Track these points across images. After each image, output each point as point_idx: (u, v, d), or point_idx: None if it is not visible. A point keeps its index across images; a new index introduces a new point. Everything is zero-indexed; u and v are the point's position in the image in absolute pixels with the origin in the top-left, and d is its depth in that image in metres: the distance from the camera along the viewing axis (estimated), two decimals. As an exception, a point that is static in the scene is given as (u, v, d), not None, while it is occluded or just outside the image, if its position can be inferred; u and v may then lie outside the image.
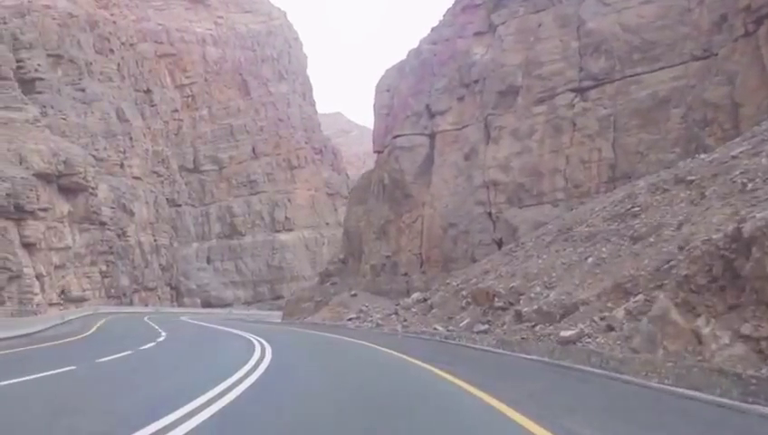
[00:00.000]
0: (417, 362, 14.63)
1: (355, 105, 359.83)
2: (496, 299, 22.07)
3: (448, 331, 22.45)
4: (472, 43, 38.27)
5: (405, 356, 16.06)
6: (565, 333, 15.69)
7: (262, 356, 15.50)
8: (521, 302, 21.00)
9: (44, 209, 68.79)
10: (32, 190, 66.87)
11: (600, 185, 31.60)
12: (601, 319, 16.06)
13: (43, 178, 68.63)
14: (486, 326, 20.82)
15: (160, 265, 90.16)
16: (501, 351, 17.31)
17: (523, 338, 17.70)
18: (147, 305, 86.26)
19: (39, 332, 25.61)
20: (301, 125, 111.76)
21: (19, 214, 65.95)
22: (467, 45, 38.46)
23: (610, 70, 32.46)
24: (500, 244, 35.38)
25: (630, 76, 31.76)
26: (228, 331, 28.52)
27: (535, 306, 19.31)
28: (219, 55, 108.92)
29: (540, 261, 22.81)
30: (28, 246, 67.92)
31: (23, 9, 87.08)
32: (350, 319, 34.56)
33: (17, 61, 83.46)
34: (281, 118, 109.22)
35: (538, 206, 33.81)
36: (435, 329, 23.35)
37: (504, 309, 21.58)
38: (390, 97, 42.74)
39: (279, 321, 45.46)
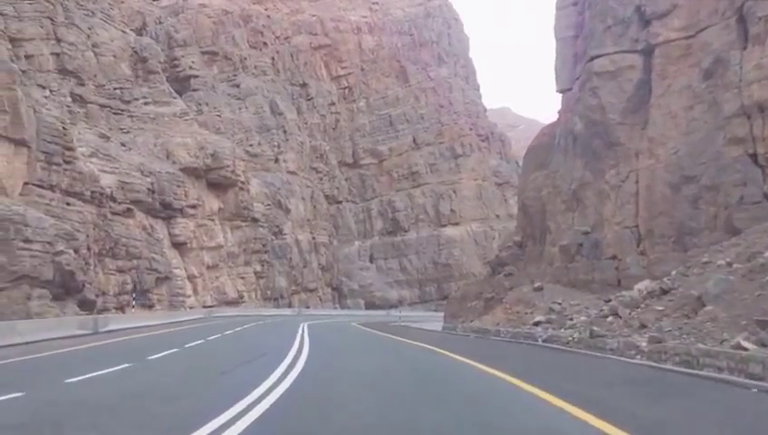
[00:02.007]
0: None
1: (522, 99, 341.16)
2: None
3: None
4: None
5: None
6: None
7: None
8: None
9: (193, 206, 62.76)
10: (179, 186, 60.93)
11: None
12: None
13: (191, 172, 62.61)
14: None
15: (320, 264, 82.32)
16: None
17: None
18: (308, 307, 78.71)
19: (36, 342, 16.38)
20: (464, 111, 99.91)
21: (167, 212, 60.20)
22: None
23: None
24: (778, 200, 21.17)
25: None
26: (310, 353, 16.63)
27: None
28: (375, 43, 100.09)
29: None
30: (178, 246, 62.12)
31: (177, 8, 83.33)
32: (536, 323, 22.05)
33: (172, 59, 79.69)
34: (442, 104, 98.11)
35: None
36: (742, 348, 10.34)
37: None
38: (578, 11, 29.66)
39: (440, 328, 33.68)
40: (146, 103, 64.69)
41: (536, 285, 26.60)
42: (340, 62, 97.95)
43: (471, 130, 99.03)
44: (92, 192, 47.63)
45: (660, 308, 15.62)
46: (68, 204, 44.69)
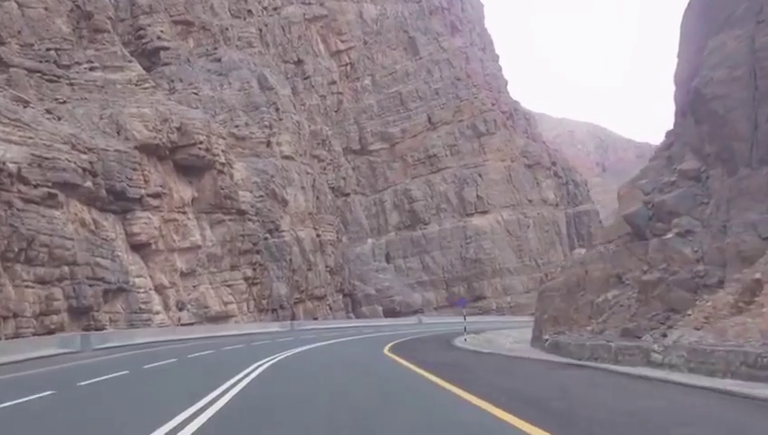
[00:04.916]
0: None
1: (529, 97, 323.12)
2: None
3: None
4: None
5: None
6: None
7: None
8: None
9: (157, 195, 45.90)
10: (135, 169, 44.15)
11: None
12: None
13: (151, 151, 45.93)
14: None
15: (327, 266, 65.30)
16: None
17: None
18: (315, 318, 61.73)
19: None
20: (484, 84, 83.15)
21: (120, 203, 43.44)
22: None
23: None
24: None
25: None
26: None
27: None
28: (379, 12, 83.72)
29: None
30: (139, 248, 45.29)
31: (141, -30, 66.56)
32: None
33: (137, 29, 63.42)
34: (459, 77, 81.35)
35: None
36: None
37: None
38: None
39: (536, 350, 16.28)
40: (91, 69, 48.27)
41: None
42: (339, 35, 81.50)
43: (494, 105, 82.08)
44: (-18, 167, 31.01)
45: None
46: (-68, 182, 28.13)
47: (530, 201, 79.30)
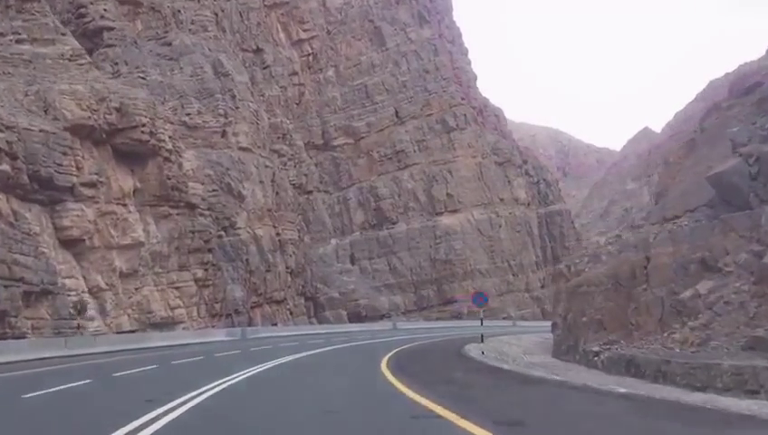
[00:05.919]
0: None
1: (490, 97, 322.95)
2: None
3: None
4: None
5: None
6: None
7: None
8: None
9: (92, 184, 39.56)
10: (65, 154, 37.83)
11: None
12: None
13: (86, 134, 39.65)
14: None
15: (288, 268, 59.48)
16: None
17: None
18: (275, 324, 55.88)
19: None
20: (454, 77, 78.46)
21: (48, 192, 37.02)
22: None
23: None
24: None
25: None
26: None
27: None
28: (343, 0, 78.17)
29: None
30: (70, 244, 38.84)
31: (83, -56, 59.77)
32: None
33: (77, 8, 56.67)
34: (427, 69, 76.63)
35: None
36: None
37: None
38: None
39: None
40: (18, 41, 41.82)
41: None
42: (301, 23, 75.99)
43: (463, 99, 77.50)
44: None
45: None
46: None
47: (501, 200, 74.94)
